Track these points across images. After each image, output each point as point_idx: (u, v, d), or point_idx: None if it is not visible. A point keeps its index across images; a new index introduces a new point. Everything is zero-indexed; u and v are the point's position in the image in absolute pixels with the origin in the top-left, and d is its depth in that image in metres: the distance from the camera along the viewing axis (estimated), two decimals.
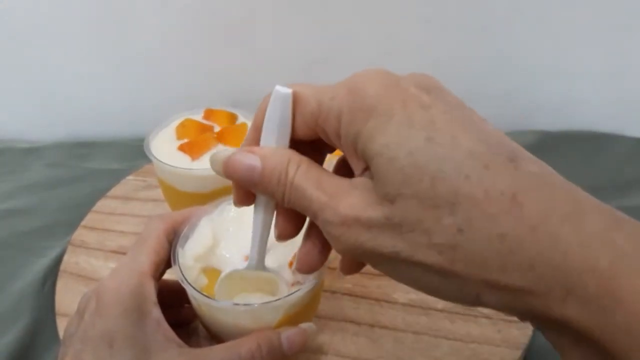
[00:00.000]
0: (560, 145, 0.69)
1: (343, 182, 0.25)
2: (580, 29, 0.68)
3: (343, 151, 0.26)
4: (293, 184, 0.26)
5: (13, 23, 0.70)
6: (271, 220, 0.30)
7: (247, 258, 0.34)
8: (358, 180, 0.25)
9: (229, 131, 0.53)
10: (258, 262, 0.33)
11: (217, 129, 0.54)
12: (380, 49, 0.71)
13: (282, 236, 0.30)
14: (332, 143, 0.26)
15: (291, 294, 0.34)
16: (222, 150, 0.28)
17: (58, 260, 0.52)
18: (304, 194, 0.25)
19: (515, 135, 0.71)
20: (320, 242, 0.29)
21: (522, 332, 0.42)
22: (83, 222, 0.57)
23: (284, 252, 0.36)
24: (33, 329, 0.47)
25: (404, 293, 0.46)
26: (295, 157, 0.26)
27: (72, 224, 0.57)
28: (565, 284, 0.20)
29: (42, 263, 0.53)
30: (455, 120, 0.23)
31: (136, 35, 0.71)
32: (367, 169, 0.24)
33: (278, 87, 0.26)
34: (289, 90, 0.26)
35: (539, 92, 0.73)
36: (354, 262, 0.28)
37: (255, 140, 0.28)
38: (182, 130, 0.54)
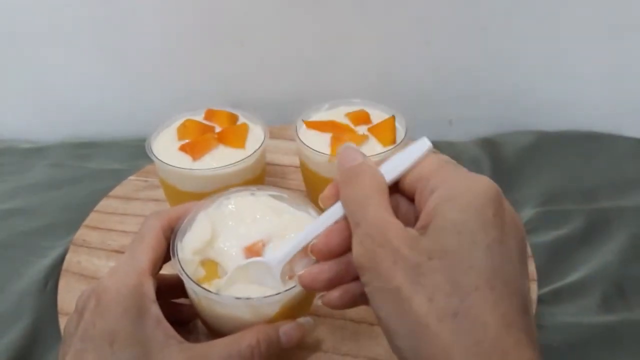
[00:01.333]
0: (559, 146, 0.69)
1: (401, 224, 0.28)
2: (579, 30, 0.68)
3: (416, 199, 0.30)
4: (364, 190, 0.29)
5: (14, 23, 0.70)
6: (317, 235, 0.32)
7: (245, 250, 0.35)
8: (410, 229, 0.28)
9: (230, 132, 0.54)
10: (282, 260, 0.34)
11: (218, 129, 0.55)
12: (380, 49, 0.72)
13: (319, 249, 0.31)
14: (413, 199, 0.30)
15: (289, 289, 0.34)
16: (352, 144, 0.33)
17: (60, 260, 0.53)
18: (365, 204, 0.28)
19: (515, 135, 0.71)
20: (343, 236, 0.31)
21: None
22: (85, 222, 0.57)
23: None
24: (35, 329, 0.47)
25: None
26: (385, 184, 0.30)
27: (74, 224, 0.57)
28: None
29: (44, 263, 0.53)
30: (515, 259, 0.26)
31: (138, 36, 0.71)
32: (423, 228, 0.27)
33: (426, 140, 0.31)
34: (429, 144, 0.30)
35: (539, 92, 0.73)
36: (350, 300, 0.31)
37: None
38: (183, 131, 0.54)
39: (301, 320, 0.36)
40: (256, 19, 0.69)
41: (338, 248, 0.31)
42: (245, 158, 0.51)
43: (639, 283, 0.49)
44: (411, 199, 0.31)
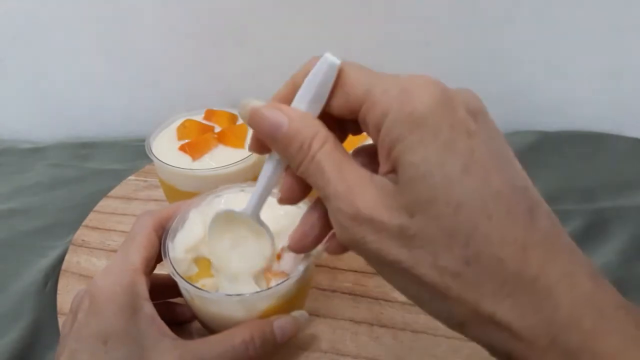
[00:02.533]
0: (559, 145, 0.69)
1: (364, 174, 0.25)
2: (579, 29, 0.68)
3: (377, 145, 0.25)
4: (314, 158, 0.25)
5: (15, 23, 0.70)
6: (278, 177, 0.30)
7: None
8: (380, 179, 0.25)
9: (230, 132, 0.54)
10: (254, 211, 0.32)
11: (217, 129, 0.55)
12: (380, 49, 0.72)
13: (285, 200, 0.29)
14: (366, 131, 0.26)
15: (280, 283, 0.34)
16: (254, 101, 0.27)
17: (60, 260, 0.53)
18: (322, 174, 0.25)
19: (515, 135, 0.71)
20: (320, 224, 0.29)
21: None
22: (85, 222, 0.57)
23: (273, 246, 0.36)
24: (35, 329, 0.47)
25: None
26: (324, 131, 0.26)
27: (74, 224, 0.57)
28: (551, 334, 0.21)
29: (43, 263, 0.53)
30: (492, 154, 0.23)
31: (138, 36, 0.71)
32: (392, 171, 0.24)
33: (327, 55, 0.25)
34: (338, 62, 0.25)
35: (538, 92, 0.73)
36: (343, 246, 0.28)
37: (287, 98, 0.28)
38: (182, 131, 0.54)
39: (295, 313, 0.36)
40: (256, 18, 0.69)
41: (302, 193, 0.29)
42: (245, 158, 0.50)
43: (639, 283, 0.49)
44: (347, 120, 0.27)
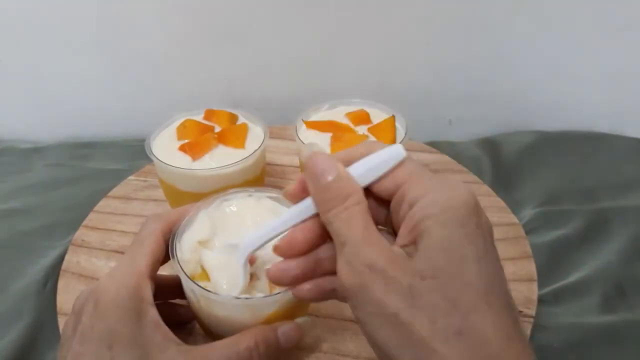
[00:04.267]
0: (559, 145, 0.69)
1: (386, 242, 0.27)
2: (579, 30, 0.68)
3: (402, 220, 0.28)
4: (348, 209, 0.28)
5: (14, 23, 0.70)
6: (291, 226, 0.31)
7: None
8: (398, 249, 0.27)
9: (230, 132, 0.54)
10: (250, 249, 0.33)
11: (217, 129, 0.54)
12: (380, 49, 0.72)
13: (282, 251, 0.30)
14: (395, 212, 0.29)
15: (286, 290, 0.34)
16: (318, 146, 0.31)
17: (59, 260, 0.52)
18: (350, 224, 0.27)
19: (515, 135, 0.71)
20: (312, 238, 0.30)
21: None
22: (84, 222, 0.57)
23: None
24: (34, 329, 0.47)
25: None
26: (363, 195, 0.28)
27: (74, 224, 0.57)
28: None
29: (43, 263, 0.53)
30: (497, 261, 0.27)
31: (137, 36, 0.71)
32: (409, 245, 0.27)
33: (400, 147, 0.29)
34: (404, 155, 0.29)
35: (538, 92, 0.73)
36: (325, 293, 0.30)
37: (344, 161, 0.30)
38: (182, 131, 0.54)
39: (300, 320, 0.36)
40: (256, 18, 0.69)
41: (302, 248, 0.30)
42: (245, 158, 0.50)
43: (639, 283, 0.49)
44: (380, 201, 0.30)
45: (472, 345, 0.24)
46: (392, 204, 0.29)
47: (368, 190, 0.29)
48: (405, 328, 0.24)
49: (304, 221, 0.30)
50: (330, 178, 0.28)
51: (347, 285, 0.27)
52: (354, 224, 0.27)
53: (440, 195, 0.27)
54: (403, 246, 0.27)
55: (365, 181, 0.29)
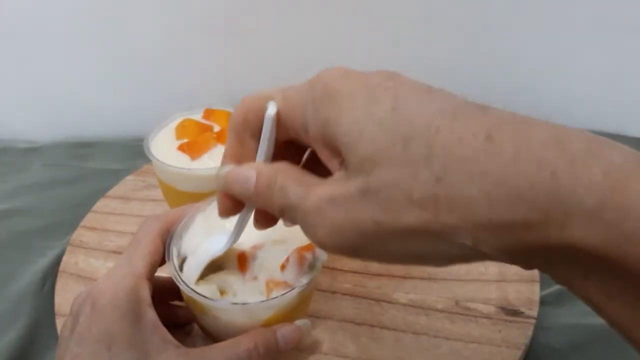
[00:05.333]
0: None
1: (317, 178, 0.26)
2: (580, 29, 0.68)
3: (313, 146, 0.26)
4: (279, 186, 0.26)
5: (12, 23, 0.69)
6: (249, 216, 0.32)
7: (239, 255, 0.36)
8: (335, 175, 0.25)
9: None
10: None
11: (216, 128, 0.54)
12: (380, 49, 0.71)
13: (259, 224, 0.31)
14: (302, 139, 0.27)
15: (284, 294, 0.34)
16: (222, 168, 0.30)
17: (57, 261, 0.52)
18: (287, 193, 0.25)
19: None
20: None
21: (522, 332, 0.42)
22: (82, 222, 0.57)
23: (277, 255, 0.36)
24: (32, 330, 0.47)
25: (404, 293, 0.46)
26: (282, 166, 0.27)
27: (72, 224, 0.56)
28: (561, 205, 0.19)
29: (41, 263, 0.53)
30: (419, 90, 0.23)
31: (136, 35, 0.71)
32: (341, 164, 0.24)
33: (269, 111, 0.27)
34: (274, 111, 0.27)
35: (539, 92, 0.73)
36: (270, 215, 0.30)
37: (238, 149, 0.29)
38: (181, 130, 0.53)
39: (299, 322, 0.36)
40: (255, 17, 0.69)
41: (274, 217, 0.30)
42: None
43: None
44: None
45: (458, 178, 0.20)
46: (305, 143, 0.28)
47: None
48: (399, 228, 0.22)
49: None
50: (251, 181, 0.27)
51: (326, 247, 0.25)
52: (290, 194, 0.25)
53: (310, 93, 0.25)
54: (338, 169, 0.25)
55: (270, 152, 0.29)
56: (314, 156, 0.28)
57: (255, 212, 0.31)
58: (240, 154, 0.29)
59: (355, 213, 0.22)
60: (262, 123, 0.28)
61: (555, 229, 0.19)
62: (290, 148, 0.29)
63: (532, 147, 0.20)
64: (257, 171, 0.27)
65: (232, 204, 0.30)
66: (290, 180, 0.26)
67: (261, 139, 0.29)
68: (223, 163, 0.30)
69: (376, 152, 0.22)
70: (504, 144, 0.20)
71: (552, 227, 0.19)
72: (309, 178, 0.26)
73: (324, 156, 0.25)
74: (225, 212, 0.31)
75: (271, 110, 0.27)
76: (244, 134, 0.29)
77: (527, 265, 0.22)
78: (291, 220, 0.26)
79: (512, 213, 0.19)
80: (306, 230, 0.25)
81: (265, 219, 0.31)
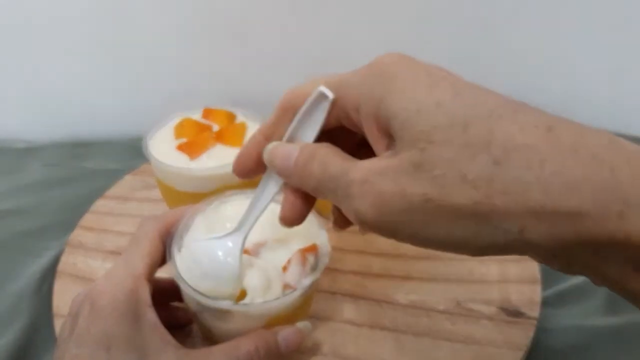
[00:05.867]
0: None
1: (364, 160, 0.25)
2: (583, 28, 0.68)
3: (363, 126, 0.26)
4: (321, 161, 0.26)
5: (11, 22, 0.69)
6: (271, 198, 0.32)
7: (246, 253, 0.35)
8: (381, 155, 0.25)
9: (228, 130, 0.53)
10: (244, 234, 0.34)
11: (216, 128, 0.54)
12: (381, 48, 0.71)
13: (288, 219, 0.30)
14: (351, 123, 0.27)
15: (286, 294, 0.34)
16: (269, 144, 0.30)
17: (55, 261, 0.52)
18: (328, 167, 0.26)
19: None
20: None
21: (524, 333, 0.42)
22: (81, 223, 0.56)
23: (279, 256, 0.36)
24: (30, 330, 0.46)
25: (404, 294, 0.46)
26: (324, 144, 0.27)
27: (70, 224, 0.56)
28: (619, 198, 0.19)
29: (39, 264, 0.53)
30: (478, 85, 0.24)
31: (134, 35, 0.70)
32: (389, 146, 0.24)
33: (324, 90, 0.27)
34: (332, 96, 0.27)
35: (541, 92, 0.73)
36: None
37: (275, 128, 0.30)
38: (180, 130, 0.53)
39: (300, 324, 0.36)
40: (255, 16, 0.69)
41: (305, 210, 0.30)
42: None
43: None
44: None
45: (516, 164, 0.20)
46: (353, 128, 0.27)
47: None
48: (445, 205, 0.21)
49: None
50: (293, 160, 0.28)
51: (367, 221, 0.24)
52: (332, 170, 0.26)
53: (368, 75, 0.25)
54: (385, 150, 0.25)
55: (315, 133, 0.28)
56: (357, 147, 0.29)
57: (286, 201, 0.30)
58: (275, 133, 0.30)
59: (406, 186, 0.22)
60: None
61: (611, 221, 0.19)
62: (334, 138, 0.29)
63: (589, 143, 0.20)
64: (299, 147, 0.28)
65: (254, 164, 0.31)
66: (332, 156, 0.26)
67: (303, 113, 0.28)
68: (256, 137, 0.30)
69: (433, 131, 0.22)
70: (563, 137, 0.21)
71: (608, 219, 0.19)
72: (351, 158, 0.26)
73: (373, 136, 0.25)
74: (241, 172, 0.32)
75: (329, 93, 0.27)
76: (286, 115, 0.29)
77: (567, 264, 0.22)
78: (326, 194, 0.26)
79: (567, 201, 0.20)
80: (347, 203, 0.25)
81: (295, 209, 0.30)
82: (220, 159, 0.50)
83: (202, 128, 0.53)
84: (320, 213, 0.55)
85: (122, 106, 0.76)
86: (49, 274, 0.51)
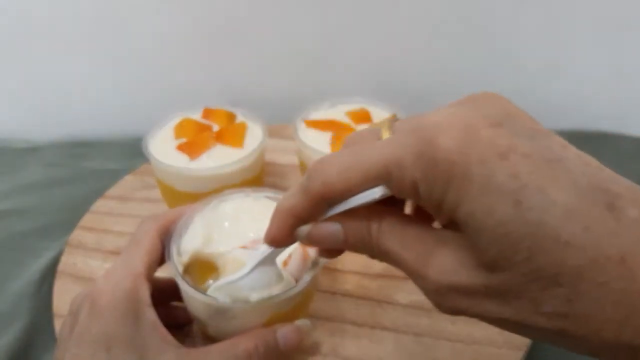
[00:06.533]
0: None
1: (428, 236, 0.24)
2: (583, 29, 0.68)
3: (421, 204, 0.24)
4: (379, 247, 0.25)
5: (11, 22, 0.69)
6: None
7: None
8: (445, 235, 0.23)
9: (228, 131, 0.53)
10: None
11: (215, 128, 0.54)
12: (381, 48, 0.71)
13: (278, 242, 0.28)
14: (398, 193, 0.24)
15: (286, 291, 0.34)
16: (304, 226, 0.27)
17: (55, 261, 0.52)
18: (392, 257, 0.24)
19: None
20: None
21: None
22: (81, 223, 0.56)
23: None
24: (30, 331, 0.46)
25: (405, 294, 0.46)
26: (374, 215, 0.25)
27: (70, 224, 0.56)
28: None
29: (39, 264, 0.52)
30: (538, 165, 0.21)
31: (134, 34, 0.70)
32: (448, 226, 0.24)
33: (385, 191, 0.24)
34: (387, 193, 0.24)
35: (540, 92, 0.73)
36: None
37: (306, 211, 0.26)
38: (180, 130, 0.53)
39: (299, 322, 0.36)
40: (255, 16, 0.69)
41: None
42: (243, 157, 0.50)
43: None
44: None
45: (589, 304, 0.20)
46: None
47: None
48: (525, 325, 0.22)
49: None
50: (340, 234, 0.26)
51: (449, 314, 0.24)
52: (396, 259, 0.24)
53: (424, 175, 0.22)
54: (445, 225, 0.24)
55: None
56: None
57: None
58: (307, 219, 0.27)
59: (481, 306, 0.22)
60: (353, 195, 0.24)
61: None
62: None
63: None
64: (341, 224, 0.26)
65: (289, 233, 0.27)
66: (391, 241, 0.24)
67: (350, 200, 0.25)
68: (285, 216, 0.27)
69: (499, 256, 0.21)
70: (637, 269, 0.20)
71: None
72: (412, 236, 0.24)
73: (434, 213, 0.24)
74: (277, 241, 0.28)
75: (385, 192, 0.24)
76: (321, 205, 0.26)
77: None
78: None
79: None
80: (416, 283, 0.25)
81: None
82: (220, 159, 0.50)
83: (202, 128, 0.53)
84: None
85: (122, 106, 0.76)
86: (49, 274, 0.51)
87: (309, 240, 0.27)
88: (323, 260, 0.36)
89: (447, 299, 0.23)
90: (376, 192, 0.24)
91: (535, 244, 0.20)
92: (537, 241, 0.20)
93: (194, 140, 0.51)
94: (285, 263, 0.35)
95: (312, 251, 0.36)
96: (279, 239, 0.27)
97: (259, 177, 0.54)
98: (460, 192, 0.21)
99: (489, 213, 0.20)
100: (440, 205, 0.22)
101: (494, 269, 0.21)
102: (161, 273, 0.37)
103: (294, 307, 0.36)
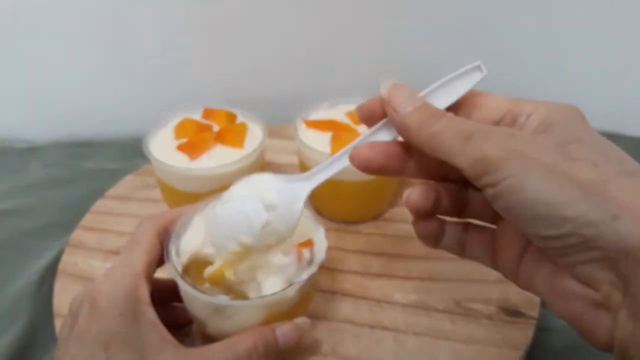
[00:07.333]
0: None
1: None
2: (581, 29, 0.68)
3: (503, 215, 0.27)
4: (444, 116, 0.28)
5: (11, 22, 0.69)
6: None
7: None
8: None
9: (228, 131, 0.53)
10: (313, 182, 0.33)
11: (216, 128, 0.54)
12: (381, 49, 0.71)
13: (359, 157, 0.30)
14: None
15: (284, 289, 0.34)
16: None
17: (56, 261, 0.52)
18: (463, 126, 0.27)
19: None
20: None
21: (523, 333, 0.42)
22: (81, 223, 0.56)
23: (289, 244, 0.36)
24: (31, 330, 0.46)
25: (404, 294, 0.46)
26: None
27: (70, 224, 0.56)
28: None
29: (40, 263, 0.53)
30: (594, 153, 0.25)
31: (135, 35, 0.70)
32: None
33: (481, 65, 0.29)
34: (486, 72, 0.29)
35: (539, 92, 0.72)
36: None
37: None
38: (180, 130, 0.53)
39: (298, 320, 0.36)
40: (255, 16, 0.69)
41: (378, 163, 0.30)
42: (243, 157, 0.50)
43: None
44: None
45: None
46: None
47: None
48: (568, 175, 0.24)
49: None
50: (411, 108, 0.29)
51: (492, 157, 0.25)
52: (468, 125, 0.27)
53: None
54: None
55: (446, 104, 0.29)
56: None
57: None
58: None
59: (539, 154, 0.25)
60: None
61: None
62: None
63: None
64: (422, 103, 0.30)
65: (379, 109, 0.31)
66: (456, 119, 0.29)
67: (443, 83, 0.31)
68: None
69: (581, 139, 0.26)
70: None
71: None
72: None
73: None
74: (368, 113, 0.31)
75: (483, 68, 0.30)
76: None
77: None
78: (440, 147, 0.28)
79: None
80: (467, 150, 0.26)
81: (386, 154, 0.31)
82: (220, 159, 0.50)
83: (202, 128, 0.53)
84: (320, 212, 0.55)
85: (123, 106, 0.76)
86: (49, 274, 0.51)
87: (394, 87, 0.30)
88: (319, 260, 0.36)
89: (509, 141, 0.26)
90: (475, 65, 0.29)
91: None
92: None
93: (194, 140, 0.51)
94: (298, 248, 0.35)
95: (307, 251, 0.36)
96: (374, 106, 0.31)
97: None
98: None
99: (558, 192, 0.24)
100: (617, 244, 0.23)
101: (571, 143, 0.25)
102: (161, 273, 0.37)
103: (293, 306, 0.36)
